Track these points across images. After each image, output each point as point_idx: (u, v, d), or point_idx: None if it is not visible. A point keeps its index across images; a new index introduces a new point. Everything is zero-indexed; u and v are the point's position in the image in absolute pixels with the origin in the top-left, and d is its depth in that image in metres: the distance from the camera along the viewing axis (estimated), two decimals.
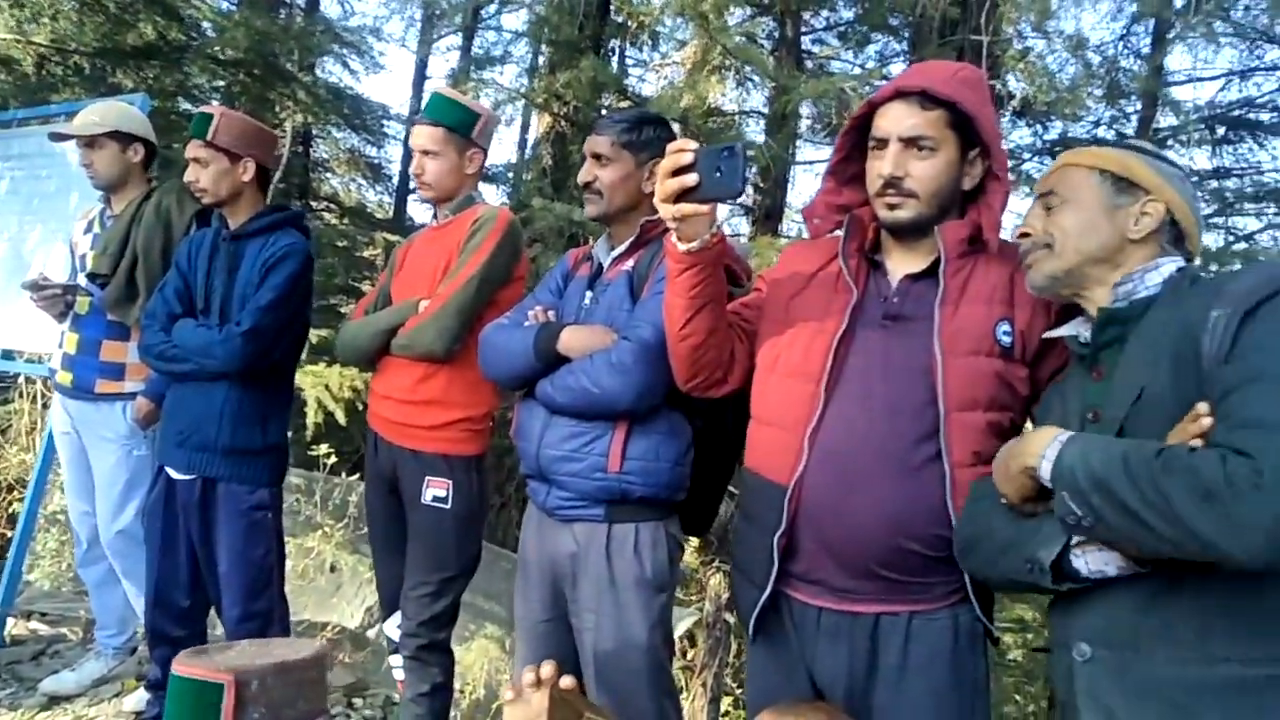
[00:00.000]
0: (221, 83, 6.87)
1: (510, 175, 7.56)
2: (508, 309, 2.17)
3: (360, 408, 6.13)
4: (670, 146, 1.48)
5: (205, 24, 6.52)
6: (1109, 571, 1.19)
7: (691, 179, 1.45)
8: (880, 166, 1.54)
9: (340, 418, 6.04)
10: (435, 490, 2.30)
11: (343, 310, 7.87)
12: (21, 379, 5.06)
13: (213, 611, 2.59)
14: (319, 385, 5.93)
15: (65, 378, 2.85)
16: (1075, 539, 1.21)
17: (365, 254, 9.50)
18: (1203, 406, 1.14)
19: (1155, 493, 1.08)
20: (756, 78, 5.43)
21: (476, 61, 6.62)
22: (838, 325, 1.56)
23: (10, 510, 4.67)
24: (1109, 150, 1.39)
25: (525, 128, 7.27)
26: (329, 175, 10.61)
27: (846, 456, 1.50)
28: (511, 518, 6.03)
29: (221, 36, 6.11)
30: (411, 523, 2.34)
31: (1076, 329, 1.39)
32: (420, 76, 9.66)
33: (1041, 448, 1.22)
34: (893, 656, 1.52)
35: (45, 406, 5.03)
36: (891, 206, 1.55)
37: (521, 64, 6.57)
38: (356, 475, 5.14)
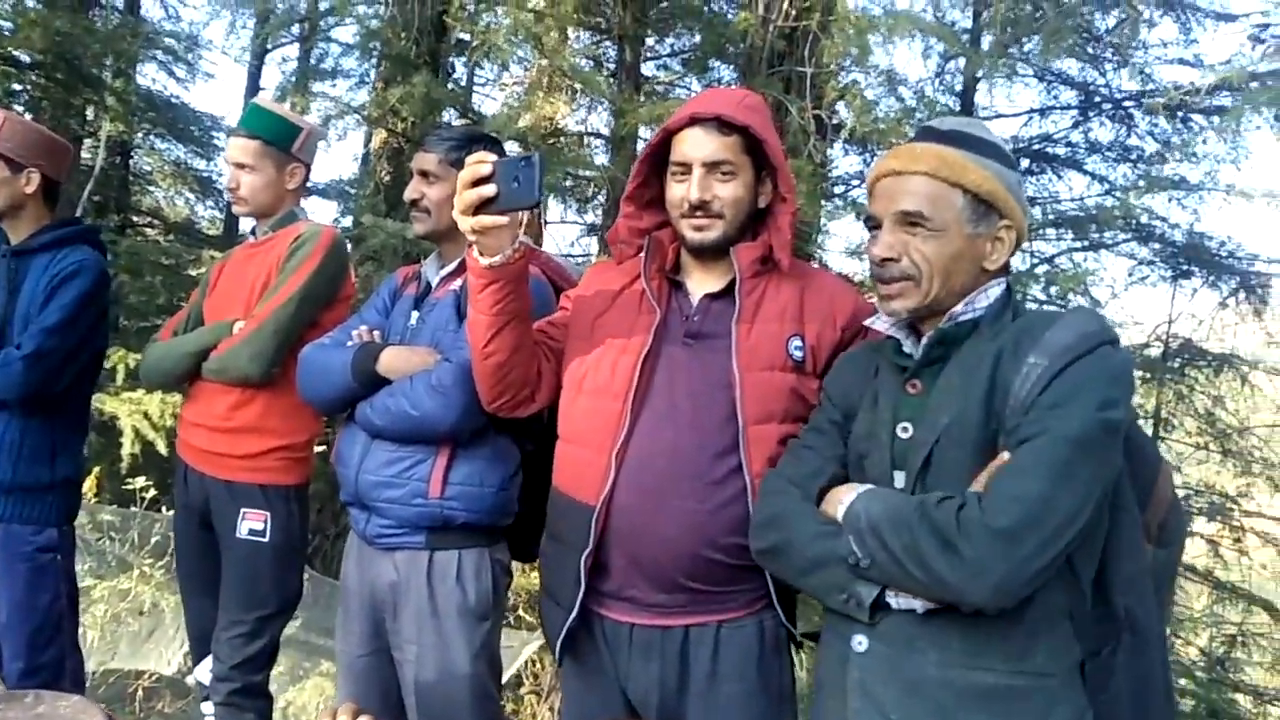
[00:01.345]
0: (19, 86, 6.29)
1: (352, 191, 7.30)
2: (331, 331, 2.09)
3: None
4: (469, 159, 1.48)
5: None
6: (916, 608, 1.23)
7: (490, 190, 1.45)
8: (686, 190, 1.58)
9: (161, 447, 5.62)
10: (252, 523, 2.18)
11: None
12: None
13: None
14: (136, 413, 5.50)
15: None
16: None
17: (191, 272, 8.93)
18: (1004, 457, 1.19)
19: (911, 539, 1.17)
20: (599, 100, 5.50)
21: (309, 73, 6.36)
22: (643, 343, 1.58)
23: None
24: (968, 160, 1.29)
25: (367, 142, 7.05)
26: (152, 188, 9.93)
27: (653, 472, 1.53)
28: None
29: (16, 35, 5.59)
30: (225, 558, 2.21)
31: (894, 331, 1.37)
32: (254, 87, 9.20)
33: (843, 494, 1.30)
34: (703, 666, 1.56)
35: None
36: (699, 229, 1.60)
37: (356, 78, 6.37)
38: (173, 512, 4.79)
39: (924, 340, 1.34)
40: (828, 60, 3.56)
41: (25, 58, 6.18)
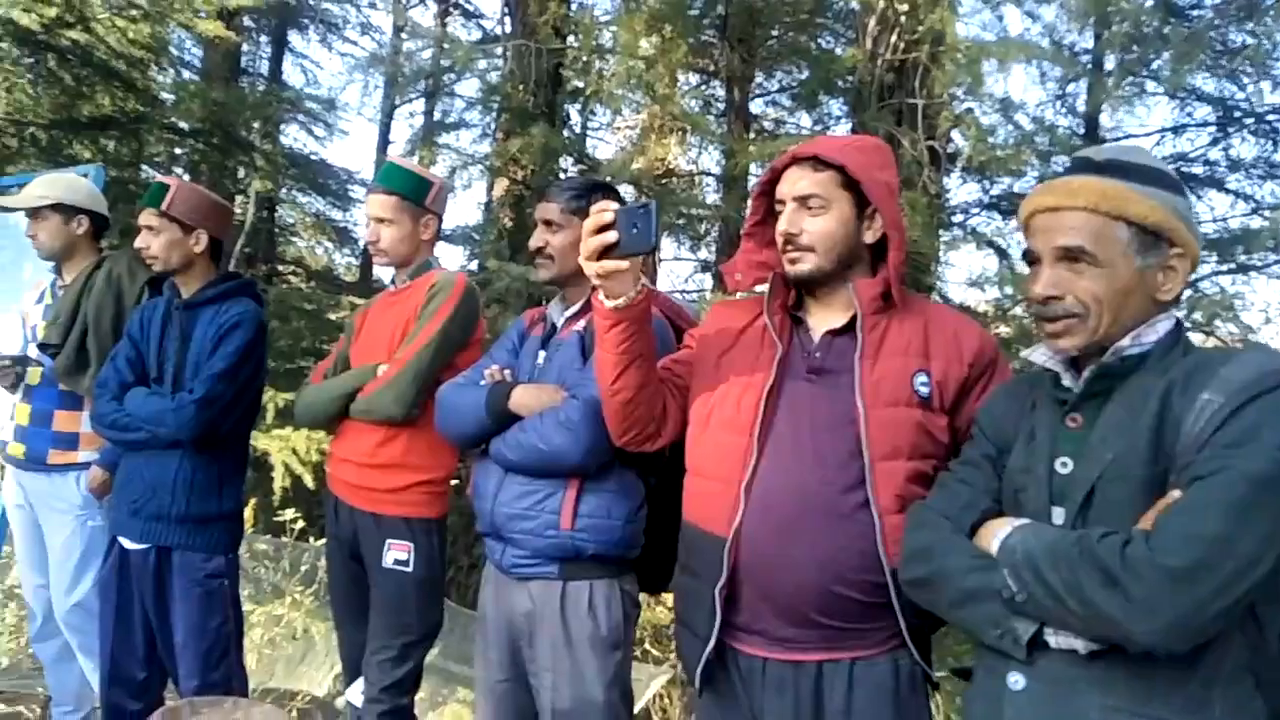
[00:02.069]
0: (180, 151, 6.93)
1: (477, 237, 7.68)
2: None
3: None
4: (594, 208, 1.57)
5: (163, 95, 6.59)
6: (1078, 648, 1.19)
7: (611, 236, 1.53)
8: (779, 224, 1.65)
9: (308, 481, 5.98)
10: (397, 553, 2.31)
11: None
12: None
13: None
14: (285, 449, 5.88)
15: (17, 450, 2.82)
16: None
17: (332, 316, 9.50)
18: (1175, 495, 1.15)
19: (1071, 575, 1.14)
20: (709, 141, 5.61)
21: (436, 127, 6.75)
22: (765, 379, 1.62)
23: None
24: (1130, 191, 1.25)
25: (490, 189, 7.41)
26: (295, 239, 10.65)
27: (780, 506, 1.55)
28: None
29: (178, 106, 6.18)
30: (373, 586, 2.34)
31: (1053, 365, 1.33)
32: (384, 141, 9.81)
33: (998, 527, 1.27)
34: (838, 702, 1.55)
35: None
36: (792, 261, 1.65)
37: (479, 129, 6.72)
38: (324, 540, 5.07)
39: (1085, 374, 1.29)
40: (939, 90, 3.54)
41: (185, 126, 6.81)
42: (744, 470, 1.58)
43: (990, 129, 3.55)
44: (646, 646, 5.14)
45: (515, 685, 2.03)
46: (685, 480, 1.76)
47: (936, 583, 1.32)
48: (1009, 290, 4.05)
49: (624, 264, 1.55)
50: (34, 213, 2.85)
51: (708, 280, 6.48)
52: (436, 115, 8.16)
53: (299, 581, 4.87)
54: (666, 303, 2.13)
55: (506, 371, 2.11)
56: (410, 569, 2.30)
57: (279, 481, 5.53)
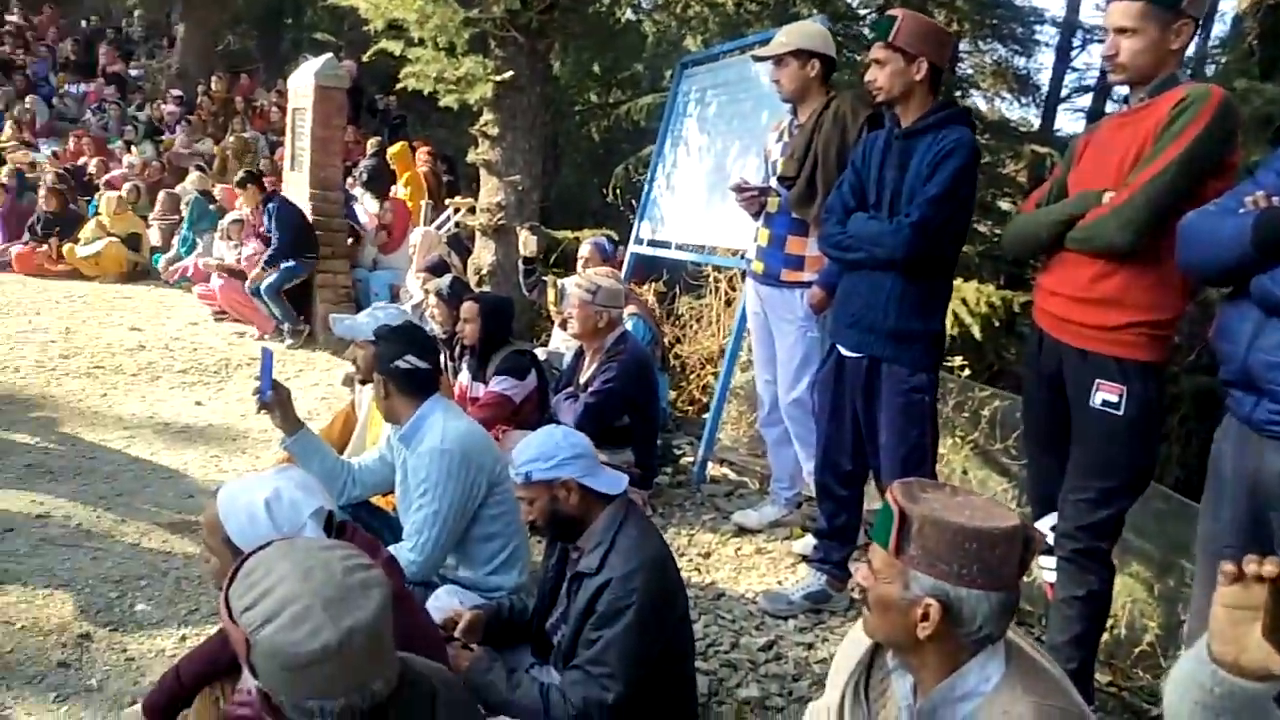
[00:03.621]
0: None
1: (1216, 53, 6.43)
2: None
3: (996, 324, 6.03)
4: None
5: None
6: None
7: None
8: None
9: (975, 333, 6.03)
10: (1106, 395, 2.17)
11: (979, 228, 7.75)
12: (711, 277, 6.12)
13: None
14: (955, 299, 5.98)
15: (758, 266, 3.37)
16: None
17: (1007, 170, 9.16)
18: None
19: None
20: None
21: None
22: None
23: (704, 382, 5.76)
24: None
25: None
26: (972, 90, 10.39)
27: None
28: None
29: None
30: (1076, 424, 2.24)
31: None
32: None
33: None
34: None
35: (728, 304, 6.02)
36: None
37: None
38: (989, 392, 5.09)
39: None
40: None
41: None
42: None
43: None
44: None
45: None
46: None
47: None
48: None
49: None
50: (777, 60, 3.24)
51: None
52: None
53: (964, 425, 4.98)
54: None
55: (1275, 199, 1.74)
56: (1120, 412, 2.14)
57: (947, 329, 5.66)
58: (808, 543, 3.26)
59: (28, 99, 11.30)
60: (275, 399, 2.56)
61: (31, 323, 6.23)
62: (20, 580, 2.80)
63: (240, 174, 7.06)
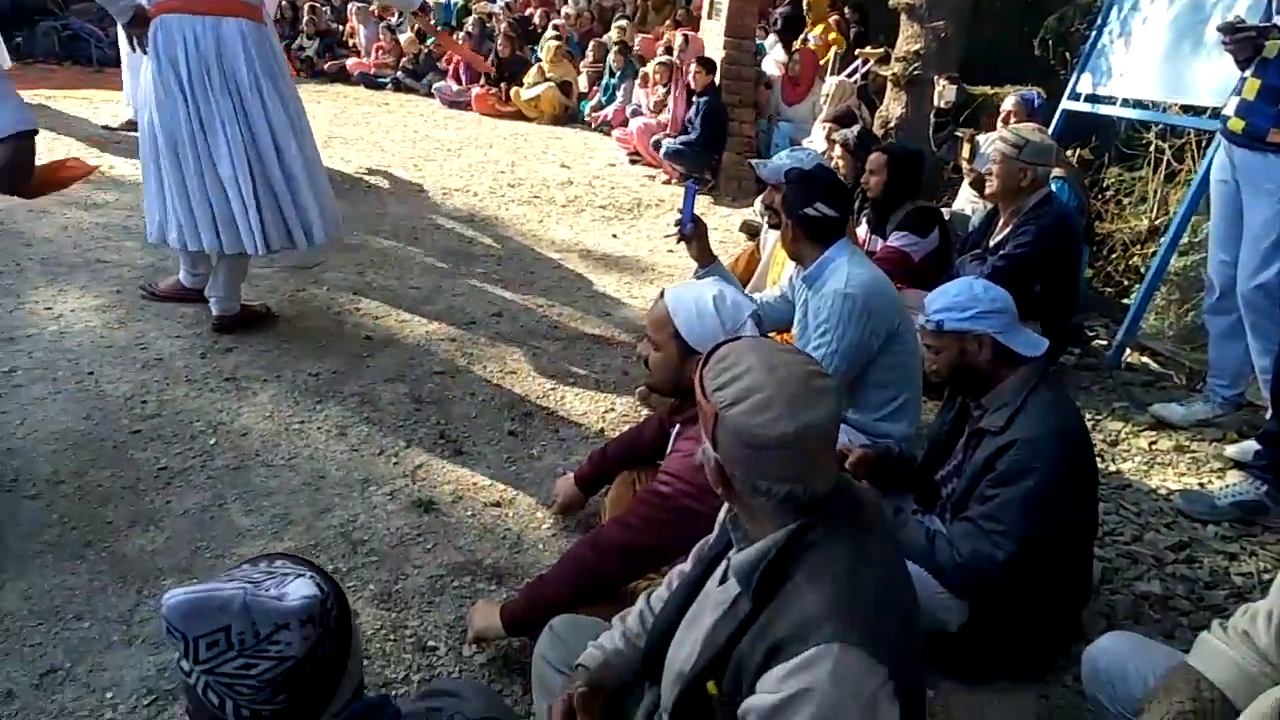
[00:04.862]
0: None
1: None
2: None
3: None
4: None
5: None
6: None
7: None
8: None
9: None
10: None
11: None
12: (1153, 145, 5.27)
13: None
14: None
15: (1237, 124, 2.80)
16: None
17: None
18: None
19: None
20: None
21: None
22: None
23: (1126, 263, 5.11)
24: None
25: None
26: None
27: None
28: None
29: None
30: None
31: None
32: None
33: None
34: None
35: (1169, 178, 5.18)
36: None
37: None
38: None
39: None
40: None
41: None
42: None
43: None
44: None
45: None
46: None
47: None
48: None
49: None
50: None
51: None
52: None
53: None
54: None
55: None
56: None
57: None
58: (1246, 448, 2.84)
59: None
60: (695, 231, 2.74)
61: (486, 155, 7.27)
62: (481, 363, 3.41)
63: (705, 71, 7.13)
